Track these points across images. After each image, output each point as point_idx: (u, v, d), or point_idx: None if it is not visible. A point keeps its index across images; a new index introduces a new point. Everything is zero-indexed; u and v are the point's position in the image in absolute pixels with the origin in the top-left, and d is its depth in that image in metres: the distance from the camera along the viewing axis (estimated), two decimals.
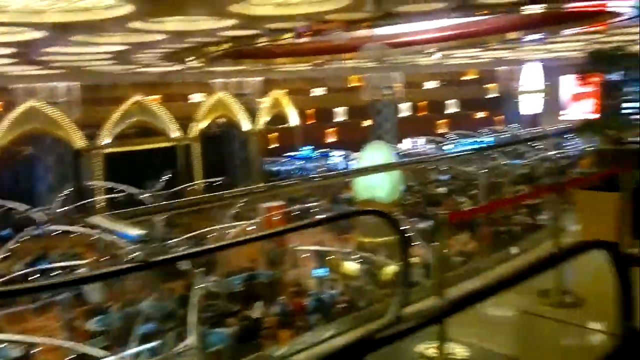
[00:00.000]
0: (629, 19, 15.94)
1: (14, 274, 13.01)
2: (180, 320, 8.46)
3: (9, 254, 14.68)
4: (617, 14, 15.85)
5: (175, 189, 22.54)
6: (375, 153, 14.21)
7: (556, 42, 22.68)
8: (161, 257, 3.00)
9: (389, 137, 30.38)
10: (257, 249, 12.95)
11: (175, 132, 27.05)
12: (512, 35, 19.50)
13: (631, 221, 5.94)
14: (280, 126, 31.33)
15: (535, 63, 33.60)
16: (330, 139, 35.21)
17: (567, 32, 19.18)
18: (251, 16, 13.15)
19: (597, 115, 15.60)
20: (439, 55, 24.15)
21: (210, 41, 16.76)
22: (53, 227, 15.80)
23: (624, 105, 12.76)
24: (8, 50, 15.78)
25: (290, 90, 32.13)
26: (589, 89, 17.66)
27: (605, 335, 3.82)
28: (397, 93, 33.06)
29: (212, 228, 12.97)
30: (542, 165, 20.45)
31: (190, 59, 19.48)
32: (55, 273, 12.81)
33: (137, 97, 26.05)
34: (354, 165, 23.80)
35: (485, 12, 15.50)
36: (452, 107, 39.74)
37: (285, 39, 16.42)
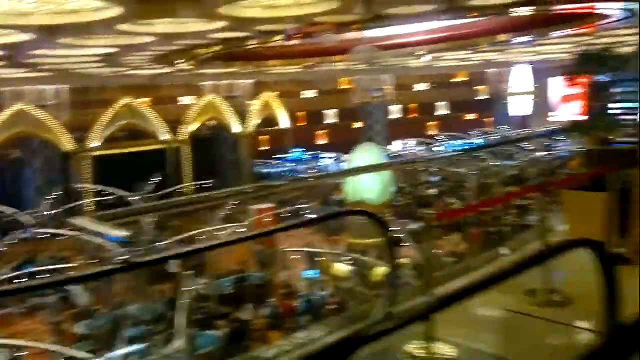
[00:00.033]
0: (617, 21, 16.08)
1: (1, 278, 12.89)
2: (169, 323, 8.41)
3: None
4: (606, 16, 15.99)
5: (165, 191, 22.45)
6: (365, 155, 14.21)
7: (545, 45, 22.85)
8: (146, 259, 2.99)
9: (379, 139, 30.44)
10: (247, 251, 12.92)
11: (165, 135, 26.95)
12: (502, 37, 19.62)
13: (618, 221, 5.99)
14: (271, 128, 31.32)
15: (524, 65, 33.83)
16: (321, 142, 35.24)
17: (556, 34, 19.33)
18: (241, 18, 13.13)
19: (585, 117, 15.71)
20: (429, 57, 24.24)
21: (200, 44, 16.73)
22: (40, 231, 15.69)
23: (611, 105, 12.85)
24: None
25: (281, 92, 32.14)
26: (577, 90, 17.78)
27: (593, 334, 3.84)
28: (388, 95, 33.14)
29: (201, 230, 12.93)
30: (532, 167, 20.56)
31: (180, 61, 19.43)
32: (42, 277, 12.70)
33: (127, 100, 25.95)
34: (345, 167, 23.82)
35: (475, 14, 15.59)
36: (442, 109, 39.90)
37: (275, 41, 16.42)
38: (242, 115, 28.88)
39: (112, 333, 9.01)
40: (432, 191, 20.44)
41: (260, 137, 31.85)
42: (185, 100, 31.22)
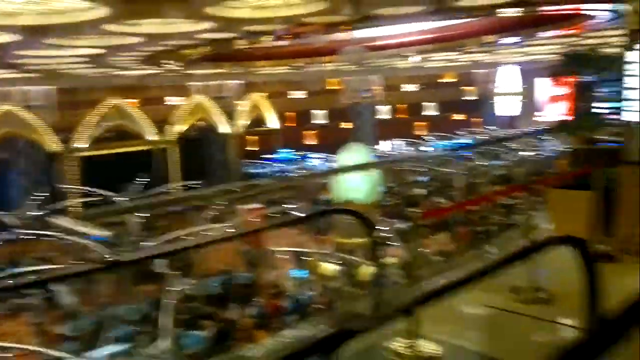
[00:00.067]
0: (603, 22, 16.23)
1: None
2: (155, 323, 8.37)
3: None
4: (592, 17, 16.13)
5: (152, 192, 22.33)
6: (353, 155, 14.24)
7: (533, 45, 23.01)
8: (128, 258, 2.97)
9: (368, 139, 30.48)
10: (235, 251, 12.89)
11: (153, 136, 26.82)
12: (490, 38, 19.73)
13: (603, 219, 6.04)
14: (260, 129, 31.27)
15: (511, 65, 34.04)
16: (310, 142, 35.24)
17: (543, 34, 19.46)
18: (229, 19, 13.10)
19: (571, 117, 15.88)
20: (418, 58, 24.32)
21: (188, 44, 16.66)
22: (21, 231, 15.55)
23: (596, 105, 13.00)
24: None
25: (270, 93, 32.09)
26: (563, 90, 17.96)
27: (577, 330, 3.86)
28: (377, 96, 33.20)
29: (188, 230, 12.87)
30: (519, 166, 20.70)
31: (169, 62, 19.35)
32: (27, 278, 12.56)
33: (115, 101, 25.80)
34: (334, 167, 23.83)
35: (463, 15, 15.66)
36: (431, 109, 40.04)
37: (263, 41, 16.39)
38: (231, 116, 28.81)
39: (97, 334, 8.95)
40: (421, 191, 20.50)
41: (249, 138, 31.80)
42: (173, 100, 31.10)
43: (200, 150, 29.44)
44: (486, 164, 20.90)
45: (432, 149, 30.41)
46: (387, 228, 11.52)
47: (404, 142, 34.31)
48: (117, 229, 13.99)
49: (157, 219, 15.72)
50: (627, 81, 6.60)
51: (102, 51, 16.59)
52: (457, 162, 19.32)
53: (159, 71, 22.19)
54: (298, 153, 32.56)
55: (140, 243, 12.28)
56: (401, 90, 38.46)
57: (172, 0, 11.41)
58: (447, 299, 2.76)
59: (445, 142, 31.99)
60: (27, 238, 15.91)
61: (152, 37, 14.88)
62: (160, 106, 29.88)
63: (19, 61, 17.40)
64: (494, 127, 35.91)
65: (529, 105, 32.96)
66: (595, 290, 2.85)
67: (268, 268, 13.10)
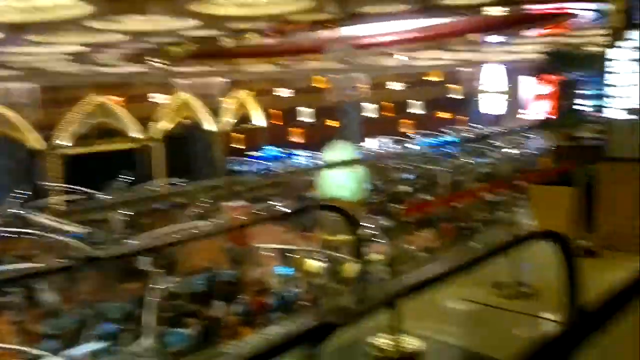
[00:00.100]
0: (588, 21, 16.40)
1: None
2: (138, 321, 8.31)
3: None
4: (576, 16, 16.30)
5: (136, 189, 22.15)
6: (339, 153, 14.26)
7: (520, 44, 23.18)
8: (105, 254, 2.94)
9: (354, 137, 30.53)
10: (219, 249, 12.82)
11: (138, 134, 26.63)
12: (476, 37, 19.85)
13: (584, 215, 6.10)
14: (246, 126, 31.19)
15: (497, 64, 34.25)
16: (297, 140, 35.21)
17: (529, 33, 19.62)
18: (214, 16, 13.04)
19: (555, 114, 16.05)
20: (403, 57, 24.40)
21: (174, 42, 16.57)
22: (2, 229, 15.32)
23: (578, 102, 13.17)
24: None
25: (257, 91, 32.01)
26: (547, 88, 18.13)
27: (559, 324, 3.89)
28: (363, 94, 33.27)
29: (171, 227, 12.77)
30: (504, 163, 20.84)
31: (154, 60, 19.23)
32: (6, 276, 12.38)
33: (99, 98, 25.60)
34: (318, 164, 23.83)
35: (449, 14, 15.74)
36: (417, 107, 40.20)
37: (249, 39, 16.36)
38: (217, 114, 28.71)
39: (79, 332, 8.87)
40: (406, 188, 20.57)
41: (235, 136, 31.70)
42: (159, 98, 30.89)
43: (186, 148, 29.30)
44: (471, 161, 21.02)
45: (418, 146, 30.53)
46: (373, 225, 11.55)
47: (391, 139, 34.42)
48: (101, 227, 13.86)
49: (141, 216, 15.59)
50: (609, 78, 6.68)
51: (86, 49, 16.44)
52: (442, 159, 19.43)
53: (144, 69, 22.04)
54: (284, 151, 32.53)
55: (123, 241, 12.18)
56: (387, 88, 38.57)
57: None
58: (430, 295, 2.76)
59: (431, 140, 32.14)
60: (7, 236, 15.70)
61: (137, 35, 14.78)
62: (145, 104, 29.67)
63: (1, 58, 17.20)
64: (480, 125, 36.12)
65: (514, 103, 33.22)
66: (575, 285, 2.88)
67: (253, 265, 13.07)
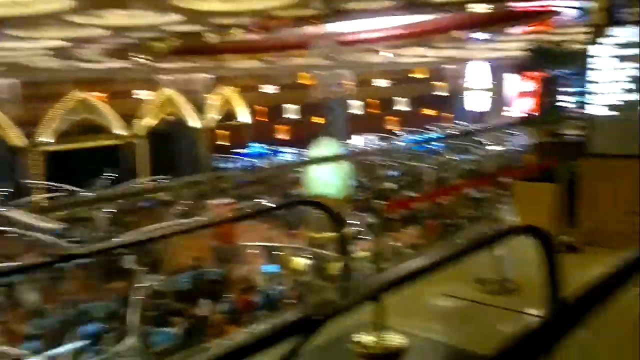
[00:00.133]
0: (571, 18, 16.53)
1: None
2: (123, 320, 8.24)
3: None
4: (560, 13, 16.42)
5: (120, 187, 21.97)
6: (324, 149, 14.28)
7: (505, 42, 23.30)
8: (82, 251, 2.90)
9: (340, 134, 30.51)
10: (205, 247, 12.78)
11: (122, 130, 26.40)
12: (460, 34, 19.91)
13: (566, 210, 6.16)
14: (231, 123, 31.05)
15: (481, 62, 34.42)
16: (282, 136, 35.13)
17: (514, 31, 19.72)
18: (197, 11, 12.93)
19: (537, 111, 16.21)
20: (389, 53, 24.42)
21: (157, 37, 16.42)
22: None
23: (561, 99, 13.32)
24: None
25: (242, 87, 31.86)
26: (531, 85, 18.29)
27: (541, 319, 3.92)
28: (348, 91, 33.25)
29: (156, 226, 12.69)
30: (488, 160, 20.99)
31: (138, 55, 19.04)
32: None
33: (81, 94, 25.32)
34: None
35: (434, 11, 15.78)
36: (402, 104, 40.30)
37: (233, 34, 16.25)
38: (202, 110, 28.54)
39: (63, 331, 8.77)
40: (392, 185, 20.65)
41: (220, 132, 31.54)
42: (143, 94, 30.62)
43: (170, 144, 29.10)
44: (456, 158, 21.14)
45: (403, 143, 30.62)
46: (358, 222, 11.57)
47: (376, 136, 34.47)
48: (85, 225, 13.74)
49: (126, 214, 15.48)
50: (591, 75, 6.74)
51: (67, 44, 16.23)
52: (427, 156, 19.51)
53: (128, 65, 21.81)
54: (270, 147, 32.44)
55: (107, 238, 12.08)
56: (373, 85, 38.60)
57: None
58: (414, 291, 2.76)
59: (417, 137, 32.24)
60: None
61: (117, 30, 14.61)
62: (128, 100, 29.39)
63: None
64: (465, 122, 36.31)
65: (499, 100, 33.42)
66: (556, 280, 2.89)
67: (239, 263, 13.04)
